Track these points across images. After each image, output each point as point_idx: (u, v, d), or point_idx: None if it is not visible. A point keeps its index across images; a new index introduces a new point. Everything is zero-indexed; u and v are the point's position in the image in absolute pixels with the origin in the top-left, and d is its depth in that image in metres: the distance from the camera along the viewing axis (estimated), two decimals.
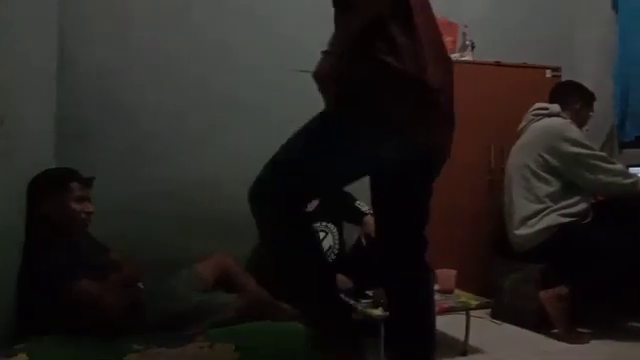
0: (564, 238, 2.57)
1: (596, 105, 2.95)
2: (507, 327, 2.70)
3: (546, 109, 2.82)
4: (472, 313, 2.41)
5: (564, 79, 3.29)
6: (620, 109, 3.61)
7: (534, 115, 2.85)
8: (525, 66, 3.31)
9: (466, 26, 3.38)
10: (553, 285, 2.54)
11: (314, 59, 3.46)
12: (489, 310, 2.78)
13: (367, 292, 2.29)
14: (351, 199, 2.85)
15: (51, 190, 2.01)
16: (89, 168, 2.18)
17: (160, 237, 2.80)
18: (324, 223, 2.80)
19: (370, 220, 2.67)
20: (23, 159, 2.00)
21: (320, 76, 1.45)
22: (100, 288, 1.86)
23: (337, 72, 1.43)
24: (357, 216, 2.74)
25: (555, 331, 2.51)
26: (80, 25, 2.83)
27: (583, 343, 2.43)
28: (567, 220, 2.61)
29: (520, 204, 2.73)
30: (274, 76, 3.18)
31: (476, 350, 2.32)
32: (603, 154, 2.72)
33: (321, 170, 1.52)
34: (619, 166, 2.67)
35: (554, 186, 2.67)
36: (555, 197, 2.66)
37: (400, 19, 1.45)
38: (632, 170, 2.80)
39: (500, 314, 2.78)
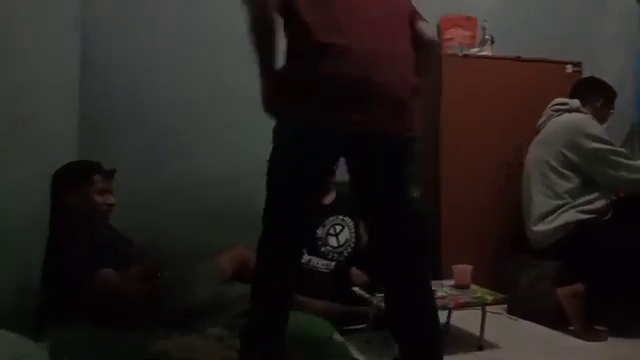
0: (582, 235, 2.55)
1: (617, 102, 2.91)
2: (523, 323, 2.69)
3: (566, 104, 2.80)
4: (488, 309, 2.41)
5: (585, 74, 3.25)
6: None
7: (554, 110, 2.83)
8: (545, 61, 3.28)
9: (485, 20, 3.35)
10: (570, 282, 2.52)
11: None
12: (506, 306, 2.77)
13: (382, 286, 2.29)
14: None
15: (74, 182, 2.06)
16: (110, 163, 2.23)
17: (179, 230, 2.85)
18: (341, 217, 2.82)
19: None
20: (47, 154, 2.05)
21: None
22: (121, 279, 1.91)
23: None
24: None
25: (571, 328, 2.49)
26: (101, 23, 2.88)
27: (600, 341, 2.41)
28: (586, 217, 2.59)
29: (538, 200, 2.72)
30: None
31: (492, 345, 2.32)
32: (624, 150, 2.69)
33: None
34: None
35: (573, 182, 2.65)
36: (574, 193, 2.64)
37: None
38: None
39: (517, 310, 2.77)
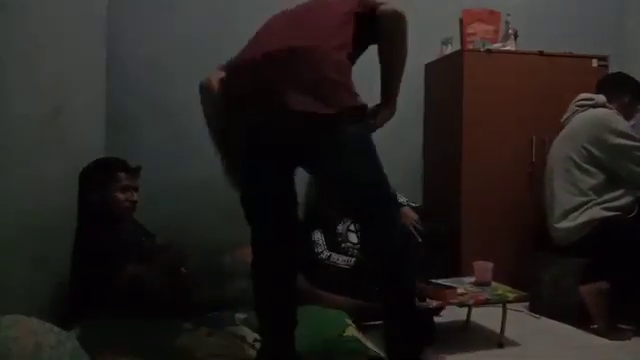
0: (606, 232, 2.51)
1: None
2: (546, 321, 2.67)
3: (591, 99, 2.75)
4: (511, 306, 2.40)
5: (611, 69, 3.18)
6: None
7: (578, 106, 2.78)
8: (570, 55, 3.22)
9: (509, 14, 3.31)
10: (594, 280, 2.49)
11: None
12: (527, 304, 2.75)
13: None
14: None
15: (99, 179, 2.12)
16: (136, 157, 2.29)
17: (203, 223, 2.90)
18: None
19: (407, 211, 2.70)
20: (76, 148, 2.12)
21: None
22: (145, 271, 1.96)
23: None
24: None
25: (595, 326, 2.46)
26: (127, 21, 2.94)
27: (624, 339, 2.38)
28: (610, 214, 2.54)
29: (562, 197, 2.68)
30: None
31: (513, 343, 2.31)
32: None
33: None
34: None
35: (598, 178, 2.61)
36: (598, 190, 2.60)
37: None
38: None
39: (539, 308, 2.75)
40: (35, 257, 1.70)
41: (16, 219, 1.56)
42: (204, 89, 1.70)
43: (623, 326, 2.46)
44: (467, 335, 2.46)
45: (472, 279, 2.46)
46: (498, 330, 2.30)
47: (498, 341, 2.29)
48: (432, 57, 3.38)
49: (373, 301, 2.42)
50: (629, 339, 2.39)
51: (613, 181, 2.60)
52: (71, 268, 1.98)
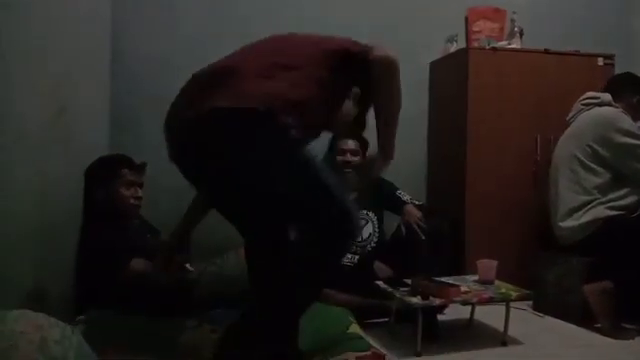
0: (610, 231, 2.50)
1: None
2: (549, 320, 2.67)
3: (597, 98, 2.74)
4: (514, 305, 2.39)
5: (618, 68, 3.17)
6: None
7: (584, 105, 2.77)
8: (575, 54, 3.20)
9: (514, 12, 3.30)
10: (598, 279, 2.48)
11: None
12: (531, 302, 2.75)
13: (406, 280, 2.31)
14: (392, 188, 2.87)
15: (104, 176, 2.13)
16: (139, 156, 2.30)
17: (205, 222, 2.90)
18: (364, 211, 2.84)
19: (410, 209, 2.70)
20: (81, 146, 2.13)
21: None
22: (149, 268, 1.97)
23: None
24: (397, 205, 2.77)
25: (598, 326, 2.46)
26: (131, 20, 2.96)
27: (628, 339, 2.37)
28: (614, 213, 2.54)
29: (566, 196, 2.68)
30: None
31: (516, 341, 2.31)
32: None
33: None
34: None
35: (603, 177, 2.60)
36: (603, 189, 2.59)
37: None
38: None
39: (542, 307, 2.75)
40: (40, 255, 1.71)
41: (21, 218, 1.57)
42: None
43: (627, 325, 2.46)
44: (470, 333, 2.46)
45: (476, 277, 2.46)
46: (501, 328, 2.30)
47: (501, 339, 2.29)
48: (437, 55, 3.37)
49: (376, 298, 2.44)
50: (633, 339, 2.38)
51: (618, 180, 2.59)
52: (76, 265, 1.99)
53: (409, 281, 2.28)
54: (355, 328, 2.01)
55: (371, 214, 2.85)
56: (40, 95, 1.70)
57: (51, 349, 0.99)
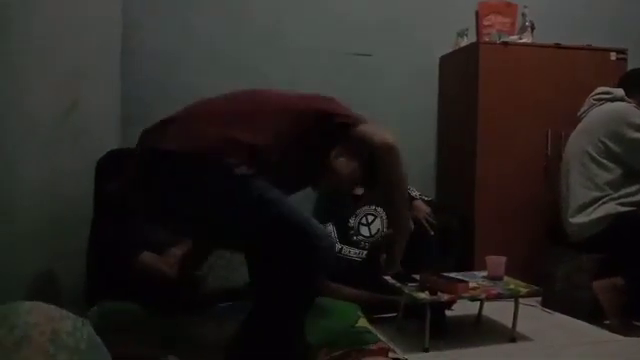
0: (621, 228, 2.48)
1: None
2: (558, 316, 2.66)
3: (609, 93, 2.71)
4: (523, 301, 2.39)
5: (630, 62, 3.13)
6: None
7: (596, 100, 2.75)
8: (587, 48, 3.17)
9: (525, 7, 3.27)
10: (608, 276, 2.47)
11: (371, 41, 3.51)
12: (540, 299, 2.74)
13: (414, 275, 2.31)
14: None
15: (114, 170, 2.14)
16: None
17: None
18: (373, 207, 2.84)
19: (419, 204, 2.69)
20: (92, 141, 2.15)
21: None
22: (159, 261, 1.99)
23: None
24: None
25: (608, 322, 2.45)
26: (140, 14, 2.97)
27: (637, 336, 2.36)
28: (626, 209, 2.52)
29: (577, 191, 2.66)
30: (328, 60, 3.22)
31: (525, 337, 2.30)
32: None
33: None
34: None
35: (614, 173, 2.58)
36: (615, 185, 2.57)
37: None
38: None
39: (552, 303, 2.74)
40: (53, 249, 1.74)
41: (35, 212, 1.59)
42: None
43: (637, 323, 2.44)
44: (479, 329, 2.46)
45: (485, 273, 2.45)
46: (510, 325, 2.30)
47: (510, 336, 2.28)
48: (447, 49, 3.35)
49: (384, 294, 2.44)
50: None
51: (630, 176, 2.57)
52: (87, 259, 2.01)
53: (417, 276, 2.28)
54: (363, 323, 2.02)
55: (380, 210, 2.85)
56: (52, 92, 1.72)
57: (63, 340, 1.00)
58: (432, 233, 2.55)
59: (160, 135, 1.53)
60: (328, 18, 3.23)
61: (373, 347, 1.77)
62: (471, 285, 2.24)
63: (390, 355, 1.76)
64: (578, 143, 2.72)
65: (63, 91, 1.82)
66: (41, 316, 1.02)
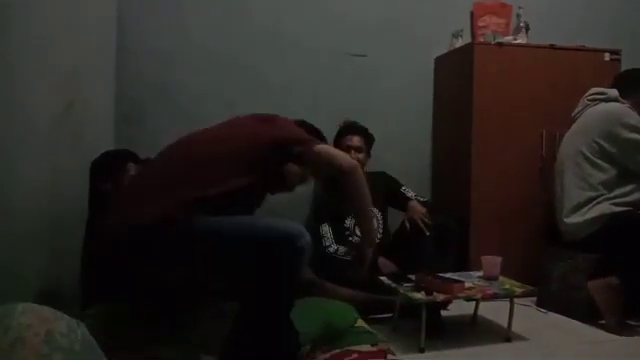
0: (616, 228, 2.49)
1: None
2: (553, 316, 2.66)
3: (603, 94, 2.73)
4: (518, 301, 2.40)
5: (625, 63, 3.15)
6: None
7: (590, 100, 2.76)
8: (581, 49, 3.19)
9: (520, 7, 3.28)
10: (603, 275, 2.48)
11: (367, 42, 3.50)
12: (535, 298, 2.75)
13: (410, 276, 2.31)
14: (397, 185, 2.87)
15: (109, 170, 2.14)
16: (146, 150, 2.30)
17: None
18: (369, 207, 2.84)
19: (415, 205, 2.70)
20: (89, 140, 2.15)
21: None
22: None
23: None
24: (402, 201, 2.77)
25: (603, 322, 2.46)
26: (136, 13, 2.96)
27: (632, 335, 2.37)
28: (620, 209, 2.53)
29: (572, 192, 2.67)
30: (325, 60, 3.23)
31: (521, 337, 2.31)
32: None
33: None
34: None
35: (609, 173, 2.59)
36: (609, 185, 2.59)
37: None
38: None
39: (546, 303, 2.74)
40: (51, 248, 1.73)
41: (34, 212, 1.58)
42: None
43: (632, 322, 2.45)
44: (475, 329, 2.46)
45: (480, 273, 2.46)
46: (505, 324, 2.30)
47: (505, 335, 2.29)
48: (442, 50, 3.36)
49: (380, 294, 2.44)
50: (638, 335, 2.38)
51: (624, 176, 2.58)
52: (81, 259, 2.00)
53: (413, 277, 2.28)
54: (361, 323, 2.02)
55: (375, 210, 2.85)
56: (50, 92, 1.71)
57: (57, 341, 1.00)
58: (427, 234, 2.55)
59: (124, 211, 1.58)
60: (326, 18, 3.23)
61: (373, 348, 1.78)
62: (467, 285, 2.25)
63: (389, 357, 1.76)
64: (573, 143, 2.73)
65: (61, 91, 1.82)
66: (35, 317, 1.01)
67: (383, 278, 2.39)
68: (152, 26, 3.00)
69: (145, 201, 1.55)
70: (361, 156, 2.84)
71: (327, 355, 1.73)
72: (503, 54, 3.08)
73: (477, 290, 2.25)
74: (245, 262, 1.47)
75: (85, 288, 1.98)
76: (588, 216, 2.58)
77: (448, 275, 2.31)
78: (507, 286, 2.32)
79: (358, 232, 2.78)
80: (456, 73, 3.24)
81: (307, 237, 1.50)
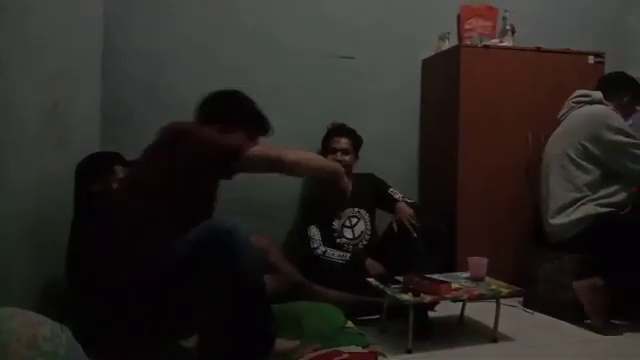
0: (600, 228, 2.52)
1: None
2: (539, 316, 2.69)
3: (588, 96, 2.76)
4: (505, 302, 2.41)
5: (611, 66, 3.19)
6: None
7: (575, 102, 2.79)
8: (566, 52, 3.22)
9: (506, 10, 3.31)
10: (589, 276, 2.50)
11: (357, 44, 3.49)
12: (521, 299, 2.77)
13: (397, 277, 2.32)
14: (385, 186, 2.88)
15: (95, 172, 2.12)
16: (133, 152, 2.28)
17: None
18: (356, 209, 2.85)
19: (402, 207, 2.70)
20: (76, 141, 2.13)
21: None
22: None
23: None
24: (390, 202, 2.77)
25: (588, 322, 2.48)
26: (122, 13, 2.94)
27: (617, 335, 2.40)
28: (604, 210, 2.56)
29: (557, 193, 2.70)
30: (313, 62, 3.23)
31: (507, 338, 2.32)
32: None
33: None
34: None
35: (593, 175, 2.62)
36: (594, 186, 2.62)
37: None
38: None
39: (533, 303, 2.77)
40: (36, 250, 1.71)
41: (19, 215, 1.57)
42: None
43: (616, 322, 2.48)
44: (461, 330, 2.48)
45: (467, 274, 2.47)
46: (492, 325, 2.32)
47: (492, 336, 2.30)
48: (429, 52, 3.38)
49: (367, 295, 2.45)
50: (622, 335, 2.41)
51: (608, 177, 2.62)
52: (66, 259, 1.98)
53: (401, 278, 2.29)
54: (351, 324, 2.03)
55: (363, 212, 2.86)
56: (35, 92, 1.70)
57: (41, 346, 0.99)
58: (415, 235, 2.56)
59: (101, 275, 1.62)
60: (314, 20, 3.24)
61: (364, 350, 1.78)
62: (453, 286, 2.26)
63: None
64: (558, 145, 2.76)
65: (47, 91, 1.80)
66: (18, 322, 1.00)
67: (371, 279, 2.40)
68: (140, 27, 2.98)
69: (112, 263, 1.60)
70: (348, 158, 2.85)
71: (316, 353, 1.73)
72: (489, 57, 3.10)
73: (464, 291, 2.27)
74: (200, 269, 1.51)
75: (68, 294, 1.95)
76: (573, 217, 2.61)
77: (435, 276, 2.32)
78: (493, 287, 2.34)
79: (345, 233, 2.80)
80: (443, 75, 3.26)
81: (233, 220, 1.52)
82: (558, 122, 2.85)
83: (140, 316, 1.56)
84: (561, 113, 2.86)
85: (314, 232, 2.73)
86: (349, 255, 2.66)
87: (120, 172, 2.15)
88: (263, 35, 3.16)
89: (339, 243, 2.78)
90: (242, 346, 1.54)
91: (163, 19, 3.02)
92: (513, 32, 3.26)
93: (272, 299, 2.11)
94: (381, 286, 2.29)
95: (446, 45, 3.29)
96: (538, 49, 3.17)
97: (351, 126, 2.95)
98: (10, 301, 1.27)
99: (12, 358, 0.94)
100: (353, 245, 2.80)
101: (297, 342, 1.82)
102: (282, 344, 1.73)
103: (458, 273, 2.56)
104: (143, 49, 2.98)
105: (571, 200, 2.63)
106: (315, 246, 2.69)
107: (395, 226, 2.64)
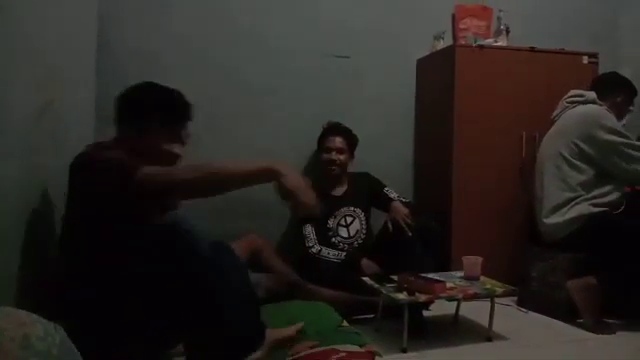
0: (594, 228, 2.54)
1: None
2: (533, 315, 2.70)
3: (582, 96, 2.77)
4: (499, 301, 2.42)
5: (602, 65, 3.21)
6: None
7: (569, 102, 2.80)
8: (560, 52, 3.24)
9: (501, 10, 3.32)
10: (582, 275, 2.51)
11: (352, 44, 3.49)
12: (516, 298, 2.78)
13: (392, 276, 2.32)
14: (380, 185, 2.88)
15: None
16: None
17: (194, 217, 2.89)
18: (352, 208, 2.85)
19: (397, 206, 2.71)
20: (68, 139, 2.11)
21: None
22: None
23: None
24: (385, 202, 2.78)
25: (581, 321, 2.49)
26: (118, 12, 2.92)
27: (609, 334, 2.41)
28: (598, 210, 2.57)
29: (551, 192, 2.71)
30: (308, 62, 3.22)
31: (501, 337, 2.33)
32: (639, 144, 2.66)
33: None
34: None
35: (587, 174, 2.64)
36: (587, 186, 2.63)
37: None
38: None
39: (527, 302, 2.78)
40: (30, 249, 1.70)
41: (8, 214, 1.55)
42: None
43: (609, 321, 2.50)
44: (456, 329, 2.48)
45: (461, 273, 2.48)
46: (486, 324, 2.33)
47: (486, 335, 2.31)
48: (424, 52, 3.38)
49: (363, 295, 2.45)
50: (614, 333, 2.42)
51: (602, 177, 2.63)
52: (57, 263, 1.97)
53: (395, 277, 2.29)
54: (346, 323, 2.03)
55: (358, 211, 2.86)
56: (28, 91, 1.68)
57: (34, 345, 0.98)
58: (410, 234, 2.57)
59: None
60: (309, 20, 3.23)
61: (362, 349, 1.78)
62: (448, 285, 2.26)
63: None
64: (552, 145, 2.77)
65: (41, 90, 1.79)
66: (10, 321, 0.99)
67: (366, 279, 2.40)
68: (134, 26, 2.96)
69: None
70: (343, 157, 2.85)
71: (313, 350, 1.73)
72: (484, 56, 3.11)
73: (458, 290, 2.27)
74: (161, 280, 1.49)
75: (61, 293, 1.94)
76: (567, 216, 2.62)
77: (430, 275, 2.33)
78: (488, 286, 2.34)
79: (341, 232, 2.80)
80: (438, 75, 3.26)
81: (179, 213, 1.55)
82: (552, 122, 2.86)
83: (119, 333, 1.55)
84: (555, 113, 2.87)
85: (309, 231, 2.73)
86: (344, 254, 2.67)
87: None
88: (258, 35, 3.15)
89: (334, 242, 2.78)
90: (229, 338, 1.50)
91: (158, 18, 3.00)
92: (507, 32, 3.27)
93: (266, 298, 2.12)
94: (376, 285, 2.30)
95: (441, 45, 3.30)
96: (532, 49, 3.18)
97: (347, 125, 2.95)
98: (1, 300, 1.26)
99: (5, 358, 0.93)
100: (348, 244, 2.80)
101: (299, 325, 1.84)
102: (278, 332, 1.72)
103: (453, 272, 2.57)
104: (138, 48, 2.97)
105: (565, 200, 2.65)
106: (310, 245, 2.69)
107: (390, 225, 2.64)
